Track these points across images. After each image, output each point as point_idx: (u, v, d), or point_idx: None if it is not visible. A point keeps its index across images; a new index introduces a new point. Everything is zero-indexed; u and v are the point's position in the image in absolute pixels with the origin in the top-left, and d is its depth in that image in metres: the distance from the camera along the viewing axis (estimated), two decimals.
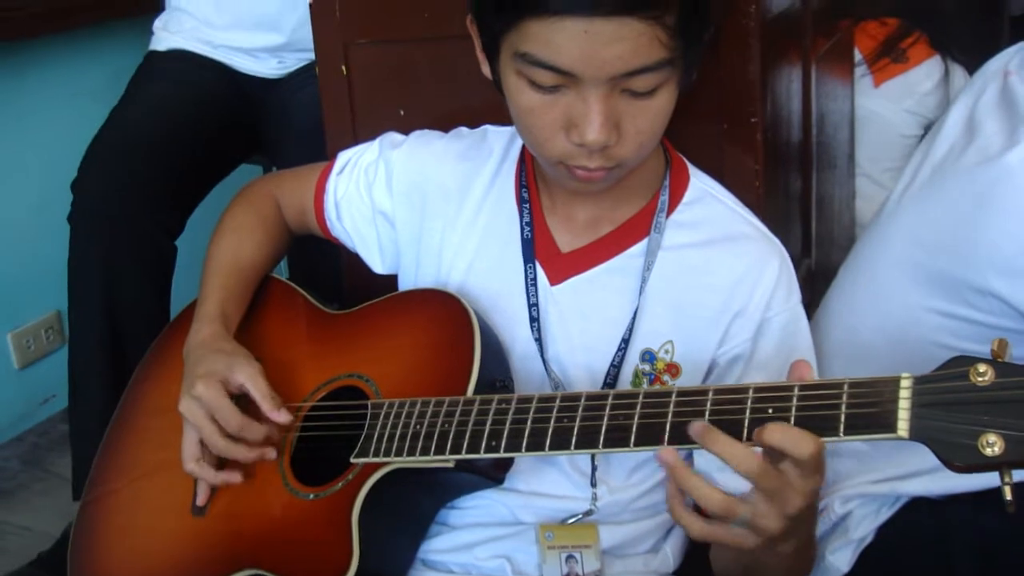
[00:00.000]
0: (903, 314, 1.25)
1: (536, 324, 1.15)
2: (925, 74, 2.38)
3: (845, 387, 0.85)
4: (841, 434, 0.83)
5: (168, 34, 2.15)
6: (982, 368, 0.79)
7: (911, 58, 2.38)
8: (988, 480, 1.20)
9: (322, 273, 1.72)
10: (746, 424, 0.87)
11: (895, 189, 1.37)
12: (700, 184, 1.20)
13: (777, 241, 1.18)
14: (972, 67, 2.38)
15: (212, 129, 2.07)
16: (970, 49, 2.40)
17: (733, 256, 1.14)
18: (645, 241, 1.15)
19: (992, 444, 0.77)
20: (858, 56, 2.34)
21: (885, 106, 2.35)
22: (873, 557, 1.27)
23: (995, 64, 1.28)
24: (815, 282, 1.74)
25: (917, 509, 1.26)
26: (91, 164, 1.92)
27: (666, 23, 0.95)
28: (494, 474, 1.11)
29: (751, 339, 1.13)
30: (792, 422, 0.85)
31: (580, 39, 0.94)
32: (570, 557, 1.14)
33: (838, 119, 2.01)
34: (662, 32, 0.95)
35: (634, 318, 1.13)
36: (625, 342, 1.13)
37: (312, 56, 2.12)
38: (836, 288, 1.43)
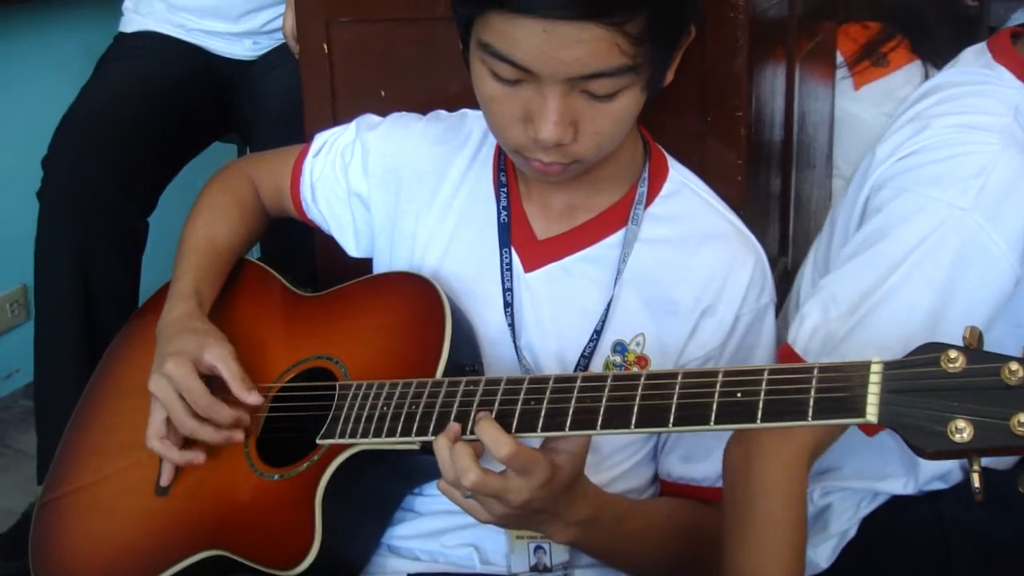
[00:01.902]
0: None
1: (510, 309, 1.14)
2: (905, 79, 2.39)
3: (815, 372, 0.84)
4: (810, 418, 0.82)
5: (139, 16, 2.11)
6: (953, 355, 0.79)
7: (892, 62, 2.39)
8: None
9: (296, 256, 1.70)
10: (714, 408, 0.86)
11: None
12: (679, 177, 1.20)
13: (753, 238, 1.18)
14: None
15: (184, 106, 2.04)
16: (950, 57, 2.41)
17: (709, 252, 1.14)
18: (622, 232, 1.15)
19: (961, 430, 0.76)
20: (839, 59, 2.34)
21: (864, 109, 2.36)
22: (858, 552, 1.25)
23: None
24: (791, 282, 1.73)
25: (905, 502, 1.24)
26: (62, 140, 1.89)
27: (628, 31, 0.94)
28: None
29: (723, 344, 1.13)
30: (761, 406, 0.84)
31: (539, 38, 0.94)
32: (538, 548, 1.13)
33: (818, 120, 2.01)
34: (623, 39, 0.94)
35: (608, 309, 1.13)
36: (598, 332, 1.13)
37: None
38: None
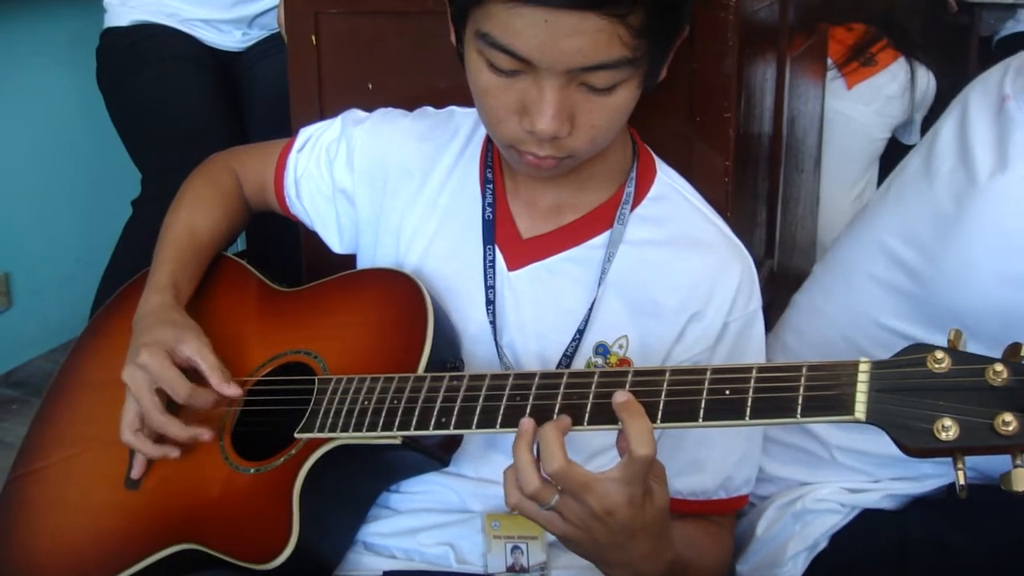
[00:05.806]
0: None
1: (492, 307, 1.14)
2: (891, 76, 2.42)
3: (803, 370, 0.85)
4: (798, 416, 0.84)
5: (128, 9, 2.10)
6: (939, 355, 0.81)
7: (880, 62, 2.41)
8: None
9: (280, 251, 1.69)
10: (702, 405, 0.87)
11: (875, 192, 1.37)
12: (667, 179, 1.19)
13: (740, 245, 1.18)
14: (937, 69, 2.43)
15: (230, 106, 2.10)
16: (935, 54, 2.45)
17: (695, 258, 1.13)
18: (607, 233, 1.14)
19: (947, 428, 0.78)
20: (828, 61, 2.35)
21: (856, 109, 2.38)
22: (826, 565, 1.26)
23: (991, 80, 1.26)
24: (776, 284, 1.73)
25: (876, 518, 1.25)
26: (161, 167, 1.95)
27: (629, 22, 0.94)
28: (440, 455, 1.09)
29: (711, 347, 1.13)
30: (749, 404, 0.85)
31: (540, 28, 0.93)
32: (516, 548, 1.12)
33: (808, 122, 2.01)
34: (624, 31, 0.94)
35: (591, 310, 1.12)
36: (580, 333, 1.12)
37: (275, 27, 2.11)
38: (813, 285, 1.43)
